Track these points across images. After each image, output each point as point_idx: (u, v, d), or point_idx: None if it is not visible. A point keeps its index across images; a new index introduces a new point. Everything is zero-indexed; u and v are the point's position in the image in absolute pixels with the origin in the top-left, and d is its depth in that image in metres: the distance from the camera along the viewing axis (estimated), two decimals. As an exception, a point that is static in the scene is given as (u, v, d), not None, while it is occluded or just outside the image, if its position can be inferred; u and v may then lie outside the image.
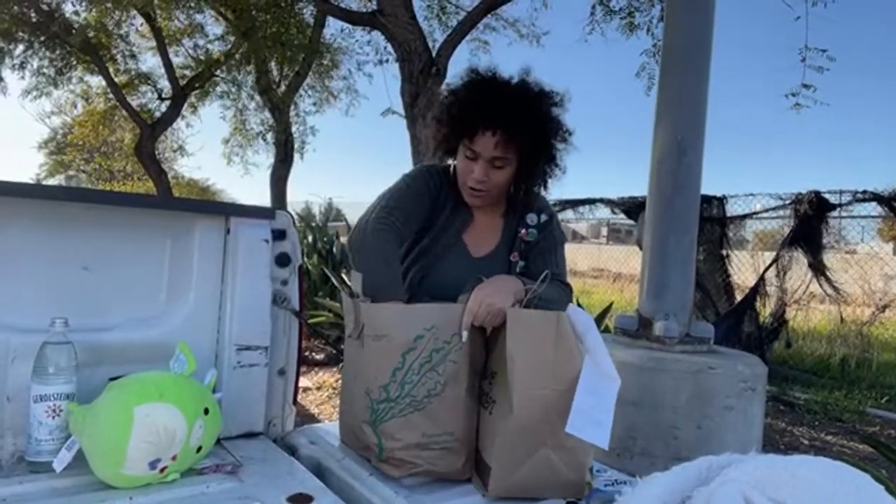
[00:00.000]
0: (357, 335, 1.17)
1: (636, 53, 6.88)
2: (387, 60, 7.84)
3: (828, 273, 5.00)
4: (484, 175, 1.33)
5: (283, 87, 9.47)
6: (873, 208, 5.09)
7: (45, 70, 9.55)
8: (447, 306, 1.16)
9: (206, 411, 1.12)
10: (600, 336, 1.09)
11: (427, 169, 1.46)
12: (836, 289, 5.05)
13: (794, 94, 5.05)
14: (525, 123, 1.30)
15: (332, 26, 9.17)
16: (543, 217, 1.47)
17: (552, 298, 1.28)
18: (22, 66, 9.23)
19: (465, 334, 1.15)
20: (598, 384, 1.06)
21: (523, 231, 1.45)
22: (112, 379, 1.12)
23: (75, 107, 11.14)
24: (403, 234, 1.36)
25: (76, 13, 8.71)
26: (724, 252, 5.46)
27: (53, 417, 1.10)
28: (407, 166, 5.03)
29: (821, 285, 5.00)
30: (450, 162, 1.47)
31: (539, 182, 1.41)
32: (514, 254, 1.45)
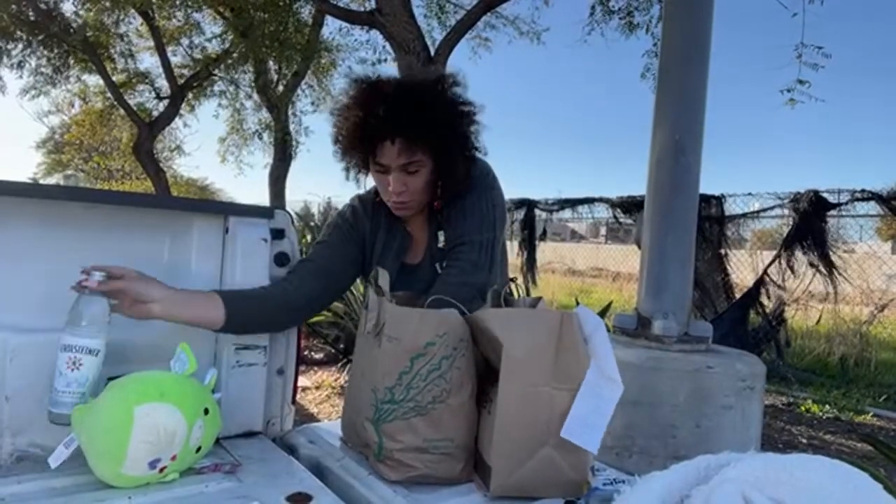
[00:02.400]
0: (376, 333, 1.16)
1: (634, 52, 6.89)
2: (385, 60, 7.84)
3: (834, 270, 5.00)
4: (400, 185, 1.29)
5: (281, 87, 9.47)
6: (871, 207, 5.10)
7: (42, 69, 9.53)
8: (457, 313, 1.15)
9: (206, 411, 1.12)
10: (608, 338, 1.08)
11: (350, 205, 1.46)
12: (836, 290, 5.06)
13: (789, 90, 5.05)
14: (421, 120, 1.24)
15: (331, 25, 9.17)
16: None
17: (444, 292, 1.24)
18: (20, 65, 9.22)
19: None
20: (599, 389, 1.06)
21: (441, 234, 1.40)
22: (111, 379, 1.12)
23: (73, 106, 11.13)
24: (299, 292, 1.35)
25: (76, 13, 8.69)
26: (722, 251, 5.47)
27: (73, 370, 1.08)
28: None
29: (831, 282, 4.99)
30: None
31: (463, 174, 1.34)
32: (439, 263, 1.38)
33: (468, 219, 1.35)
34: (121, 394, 1.06)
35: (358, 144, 1.29)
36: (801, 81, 5.01)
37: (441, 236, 1.40)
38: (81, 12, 8.69)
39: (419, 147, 1.27)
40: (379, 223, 1.44)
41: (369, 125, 1.25)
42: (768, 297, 5.27)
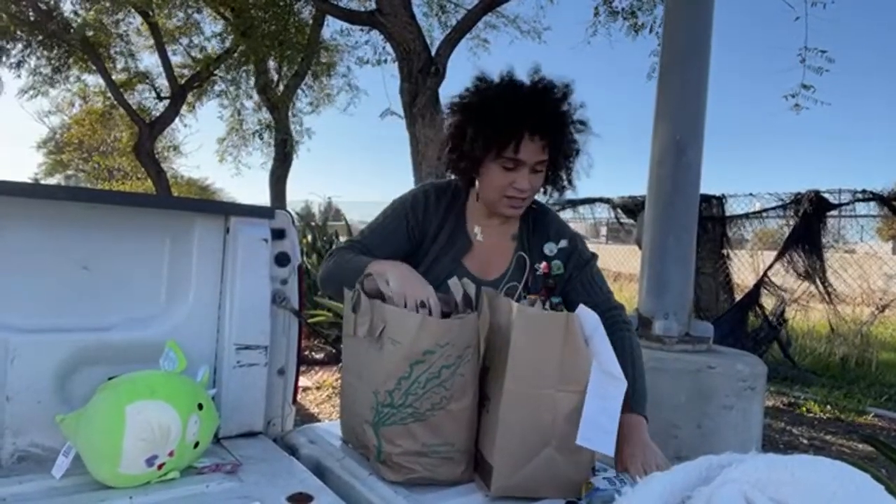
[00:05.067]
0: (376, 336, 1.14)
1: (635, 52, 6.88)
2: (385, 60, 7.84)
3: (827, 275, 5.00)
4: (527, 183, 1.28)
5: (281, 87, 9.47)
6: (872, 208, 5.10)
7: (42, 69, 9.54)
8: (464, 319, 1.11)
9: (201, 406, 1.12)
10: (607, 337, 1.08)
11: (415, 196, 1.41)
12: (829, 293, 5.06)
13: (793, 96, 5.04)
14: (563, 122, 1.29)
15: (331, 26, 9.17)
16: (563, 243, 1.39)
17: (642, 372, 1.31)
18: (19, 65, 9.22)
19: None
20: (605, 388, 1.06)
21: (543, 265, 1.37)
22: (110, 379, 1.12)
23: (72, 105, 11.14)
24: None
25: (75, 13, 8.70)
26: (724, 251, 5.47)
27: None
28: (406, 165, 5.02)
29: (823, 285, 5.00)
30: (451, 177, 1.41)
31: (566, 185, 1.37)
32: (542, 291, 1.36)
33: (599, 278, 1.42)
34: (111, 395, 1.06)
35: (498, 137, 1.25)
36: (805, 86, 5.00)
37: (529, 255, 1.39)
38: (81, 12, 8.70)
39: (550, 147, 1.28)
40: (446, 221, 1.39)
41: (515, 119, 1.24)
42: (769, 297, 5.28)
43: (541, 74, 1.31)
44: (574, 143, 1.33)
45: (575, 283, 1.38)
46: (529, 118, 1.24)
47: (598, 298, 1.37)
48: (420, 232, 1.39)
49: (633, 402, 1.24)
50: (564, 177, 1.36)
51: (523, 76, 1.32)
